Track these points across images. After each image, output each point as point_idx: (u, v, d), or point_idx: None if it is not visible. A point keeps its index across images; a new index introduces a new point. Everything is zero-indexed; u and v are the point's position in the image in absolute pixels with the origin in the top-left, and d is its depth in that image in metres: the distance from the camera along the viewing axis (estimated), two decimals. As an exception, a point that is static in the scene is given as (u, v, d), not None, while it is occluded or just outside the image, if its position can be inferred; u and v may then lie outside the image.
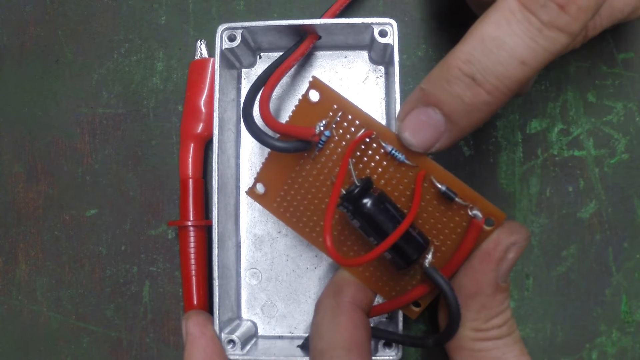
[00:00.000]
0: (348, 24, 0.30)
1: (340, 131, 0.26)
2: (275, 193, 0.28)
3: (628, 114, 0.33)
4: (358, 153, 0.26)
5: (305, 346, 0.30)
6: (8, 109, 0.36)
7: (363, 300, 0.27)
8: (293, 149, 0.26)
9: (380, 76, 0.33)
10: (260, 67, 0.34)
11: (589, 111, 0.33)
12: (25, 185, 0.36)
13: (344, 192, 0.26)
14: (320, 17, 0.32)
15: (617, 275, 0.33)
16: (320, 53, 0.34)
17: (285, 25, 0.30)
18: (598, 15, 0.26)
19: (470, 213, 0.26)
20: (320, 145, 0.26)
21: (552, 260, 0.33)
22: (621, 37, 0.33)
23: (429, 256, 0.26)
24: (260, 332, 0.33)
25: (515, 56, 0.22)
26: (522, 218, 0.33)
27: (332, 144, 0.27)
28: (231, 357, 0.30)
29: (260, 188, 0.29)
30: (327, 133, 0.26)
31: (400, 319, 0.29)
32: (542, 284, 0.33)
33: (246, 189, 0.29)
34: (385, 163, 0.26)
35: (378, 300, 0.29)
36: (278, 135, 0.27)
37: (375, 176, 0.26)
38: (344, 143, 0.26)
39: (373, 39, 0.30)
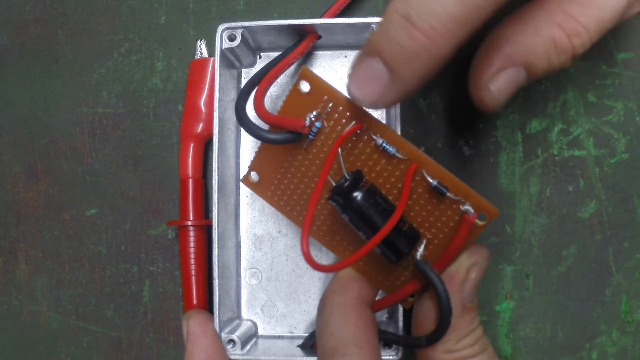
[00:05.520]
0: (348, 23, 0.30)
1: (332, 122, 0.26)
2: (269, 182, 0.28)
3: (628, 114, 0.33)
4: (349, 145, 0.26)
5: (305, 346, 0.30)
6: (8, 109, 0.36)
7: (368, 296, 0.27)
8: (283, 140, 0.26)
9: (380, 76, 0.33)
10: (260, 66, 0.34)
11: (589, 111, 0.33)
12: (25, 185, 0.36)
13: (334, 185, 0.26)
14: (321, 16, 0.32)
15: (617, 275, 0.33)
16: (320, 53, 0.34)
17: (285, 25, 0.30)
18: (584, 28, 0.25)
19: (461, 208, 0.26)
20: (311, 137, 0.26)
21: (552, 260, 0.33)
22: (621, 37, 0.33)
23: (421, 249, 0.26)
24: (260, 331, 0.33)
25: None
26: (522, 218, 0.33)
27: (323, 136, 0.27)
28: (231, 356, 0.30)
29: (254, 176, 0.29)
30: (317, 124, 0.26)
31: (401, 318, 0.29)
32: (542, 284, 0.33)
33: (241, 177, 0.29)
34: (376, 156, 0.26)
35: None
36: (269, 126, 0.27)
37: (365, 169, 0.26)
38: (334, 135, 0.26)
39: (373, 38, 0.30)
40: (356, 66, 0.23)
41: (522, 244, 0.33)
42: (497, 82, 0.25)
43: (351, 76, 0.23)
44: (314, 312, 0.33)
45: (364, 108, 0.24)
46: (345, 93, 0.26)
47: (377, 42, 0.22)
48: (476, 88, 0.25)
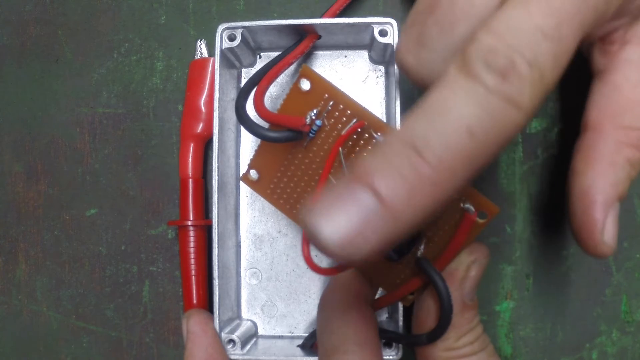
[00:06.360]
0: (348, 23, 0.30)
1: (332, 120, 0.26)
2: (268, 180, 0.28)
3: (628, 114, 0.33)
4: (350, 143, 0.26)
5: (305, 346, 0.30)
6: (8, 109, 0.36)
7: (368, 294, 0.27)
8: (284, 138, 0.26)
9: (381, 76, 0.33)
10: (260, 66, 0.34)
11: (589, 111, 0.33)
12: (25, 185, 0.36)
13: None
14: (321, 16, 0.32)
15: (617, 275, 0.33)
16: (320, 53, 0.34)
17: (285, 25, 0.30)
18: None
19: (462, 206, 0.26)
20: (311, 135, 0.26)
21: (552, 260, 0.33)
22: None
23: (421, 247, 0.26)
24: (260, 331, 0.33)
25: (461, 123, 0.18)
26: (522, 218, 0.33)
27: (324, 134, 0.27)
28: (231, 356, 0.30)
29: (254, 174, 0.29)
30: (318, 122, 0.26)
31: (401, 317, 0.29)
32: (542, 284, 0.33)
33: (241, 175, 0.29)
34: None
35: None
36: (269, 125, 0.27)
37: None
38: (335, 133, 0.26)
39: (373, 38, 0.30)
40: (330, 195, 0.18)
41: (522, 244, 0.33)
42: (607, 232, 0.24)
43: (320, 205, 0.18)
44: (314, 312, 0.33)
45: (330, 247, 0.18)
46: (344, 91, 0.26)
47: (369, 169, 0.18)
48: (592, 246, 0.25)
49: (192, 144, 0.33)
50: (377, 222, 0.17)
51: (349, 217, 0.17)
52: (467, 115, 0.18)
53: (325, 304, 0.27)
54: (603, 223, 0.24)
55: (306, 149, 0.27)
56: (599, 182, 0.24)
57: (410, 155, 0.17)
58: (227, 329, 0.31)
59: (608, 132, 0.24)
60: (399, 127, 0.19)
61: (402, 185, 0.17)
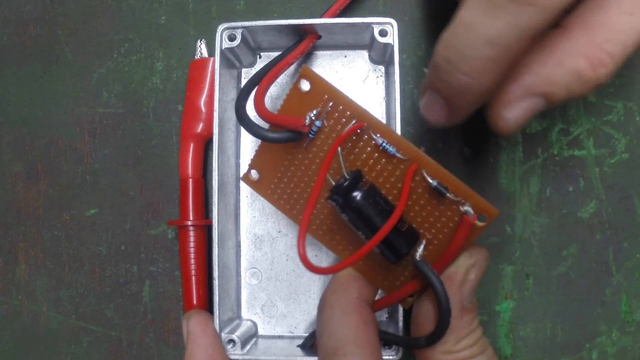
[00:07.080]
0: (348, 23, 0.30)
1: (332, 121, 0.26)
2: (269, 180, 0.28)
3: (628, 114, 0.33)
4: (349, 144, 0.26)
5: (305, 346, 0.30)
6: (8, 109, 0.36)
7: (368, 295, 0.27)
8: (284, 139, 0.26)
9: (381, 76, 0.33)
10: (260, 66, 0.34)
11: (589, 111, 0.33)
12: (25, 185, 0.36)
13: (333, 185, 0.26)
14: (320, 16, 0.32)
15: (617, 275, 0.33)
16: (320, 52, 0.34)
17: (285, 25, 0.30)
18: (610, 57, 0.23)
19: (461, 209, 0.26)
20: (311, 136, 0.26)
21: (552, 260, 0.33)
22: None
23: (420, 249, 0.26)
24: (260, 331, 0.33)
25: (482, 37, 0.21)
26: (522, 218, 0.33)
27: (323, 135, 0.27)
28: (231, 356, 0.30)
29: (254, 174, 0.29)
30: (318, 123, 0.26)
31: (400, 318, 0.29)
32: (542, 284, 0.33)
33: (242, 175, 0.29)
34: (376, 155, 0.26)
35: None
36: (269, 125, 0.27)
37: (365, 169, 0.26)
38: (334, 134, 0.26)
39: (373, 38, 0.30)
40: (423, 95, 0.26)
41: (522, 244, 0.33)
42: (513, 111, 0.25)
43: (421, 103, 0.26)
44: (314, 312, 0.33)
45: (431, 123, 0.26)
46: (344, 92, 0.26)
47: (432, 81, 0.24)
48: (491, 114, 0.25)
49: (192, 144, 0.33)
50: (449, 111, 0.25)
51: (436, 110, 0.25)
52: (487, 28, 0.21)
53: (325, 305, 0.27)
54: (514, 99, 0.24)
55: (306, 150, 0.27)
56: (538, 67, 0.24)
57: (450, 71, 0.23)
58: (227, 329, 0.31)
59: (575, 36, 0.23)
60: (441, 38, 0.23)
61: (452, 91, 0.23)
